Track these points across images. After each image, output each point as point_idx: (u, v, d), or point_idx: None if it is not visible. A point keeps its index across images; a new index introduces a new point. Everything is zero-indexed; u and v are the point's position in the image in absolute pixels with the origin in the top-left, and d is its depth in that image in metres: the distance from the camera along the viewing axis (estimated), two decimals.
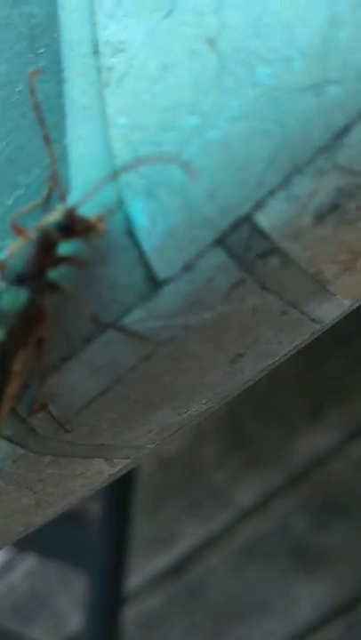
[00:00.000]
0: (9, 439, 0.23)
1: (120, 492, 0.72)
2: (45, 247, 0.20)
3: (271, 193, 0.19)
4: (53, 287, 0.20)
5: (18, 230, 0.20)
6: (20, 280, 0.20)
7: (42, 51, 0.22)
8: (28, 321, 0.20)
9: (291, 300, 0.22)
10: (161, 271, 0.20)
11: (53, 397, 0.22)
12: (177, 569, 0.85)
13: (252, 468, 0.84)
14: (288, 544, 0.82)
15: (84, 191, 0.20)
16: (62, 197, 0.20)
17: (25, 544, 0.79)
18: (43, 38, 0.22)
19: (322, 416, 0.81)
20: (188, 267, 0.20)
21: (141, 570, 0.85)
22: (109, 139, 0.20)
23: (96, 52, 0.21)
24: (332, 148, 0.19)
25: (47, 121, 0.21)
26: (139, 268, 0.20)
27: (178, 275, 0.20)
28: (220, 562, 0.84)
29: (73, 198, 0.20)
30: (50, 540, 0.76)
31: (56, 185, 0.20)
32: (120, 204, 0.20)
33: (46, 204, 0.21)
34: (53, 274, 0.20)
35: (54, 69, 0.21)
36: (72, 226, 0.20)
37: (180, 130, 0.19)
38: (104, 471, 0.27)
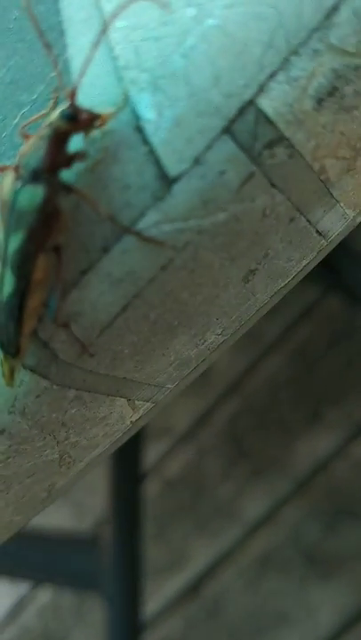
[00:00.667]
0: (31, 369, 0.22)
1: (128, 516, 0.70)
2: (56, 140, 0.20)
3: (272, 76, 0.19)
4: (68, 189, 0.20)
5: (26, 136, 0.20)
6: (35, 177, 0.20)
7: None
8: (46, 220, 0.20)
9: (297, 202, 0.22)
10: (172, 167, 0.20)
11: (75, 316, 0.21)
12: (192, 589, 0.82)
13: (256, 479, 0.83)
14: (302, 552, 0.80)
15: (90, 95, 0.20)
16: (71, 96, 0.20)
17: (38, 574, 0.76)
18: None
19: (321, 419, 0.80)
20: (198, 160, 0.20)
21: (157, 594, 0.83)
22: (110, 43, 0.20)
23: None
24: (323, 28, 0.19)
25: (48, 38, 0.21)
26: (150, 166, 0.20)
27: (189, 170, 0.20)
28: (234, 578, 0.82)
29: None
30: (62, 569, 0.74)
31: (61, 88, 0.20)
32: (126, 100, 0.19)
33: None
34: (67, 176, 0.20)
35: None
36: (77, 114, 0.19)
37: (179, 21, 0.19)
38: (126, 416, 0.26)
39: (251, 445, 0.85)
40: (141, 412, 0.27)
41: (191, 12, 0.19)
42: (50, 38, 0.21)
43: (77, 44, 0.20)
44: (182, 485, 0.86)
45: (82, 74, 0.19)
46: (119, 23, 0.20)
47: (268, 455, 0.83)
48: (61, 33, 0.21)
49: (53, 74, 0.21)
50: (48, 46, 0.20)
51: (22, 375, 0.22)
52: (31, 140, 0.20)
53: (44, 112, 0.21)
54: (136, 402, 0.26)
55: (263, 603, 0.82)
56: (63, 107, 0.19)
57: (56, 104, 0.20)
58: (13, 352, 0.21)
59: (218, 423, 0.84)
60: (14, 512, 0.28)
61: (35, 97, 0.21)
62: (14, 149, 0.21)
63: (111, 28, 0.20)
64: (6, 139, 0.21)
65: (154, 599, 0.83)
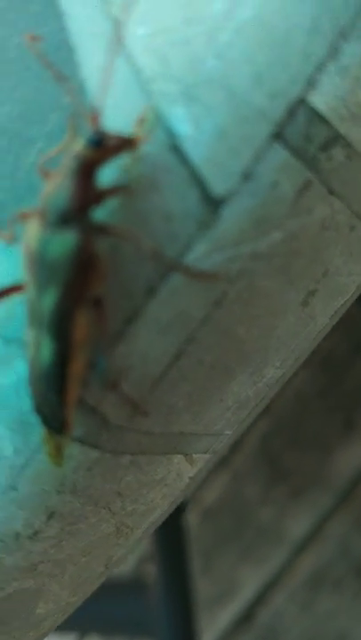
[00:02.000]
0: (80, 440, 0.18)
1: (172, 550, 0.67)
2: (84, 173, 0.16)
3: (320, 67, 0.16)
4: (102, 230, 0.16)
5: (47, 174, 0.17)
6: (64, 221, 0.16)
7: None
8: (82, 270, 0.16)
9: (358, 208, 0.18)
10: (217, 186, 0.16)
11: (123, 373, 0.18)
12: (245, 618, 0.78)
13: (297, 497, 0.79)
14: (352, 566, 0.76)
15: (114, 117, 0.16)
16: (94, 120, 0.16)
17: (85, 625, 0.73)
18: None
19: (354, 428, 0.77)
20: (246, 174, 0.16)
21: (210, 628, 0.79)
22: (131, 54, 0.16)
23: None
24: None
25: (55, 60, 0.18)
26: (192, 188, 0.16)
27: (237, 187, 0.16)
28: (287, 601, 0.78)
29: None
30: (109, 616, 0.70)
31: (84, 117, 0.17)
32: (158, 117, 0.16)
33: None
34: (98, 214, 0.16)
35: (49, 10, 0.18)
36: (104, 140, 0.16)
37: (208, 19, 0.16)
38: (184, 473, 0.23)
39: (287, 464, 0.81)
40: (199, 465, 0.23)
41: (220, 5, 0.16)
42: (57, 59, 0.18)
43: (91, 62, 0.17)
44: (222, 513, 0.82)
45: (104, 92, 0.16)
46: (138, 30, 0.16)
47: (305, 471, 0.79)
48: (70, 52, 0.18)
49: (67, 100, 0.17)
50: (58, 73, 0.17)
51: (69, 449, 0.18)
52: (54, 178, 0.16)
53: (62, 144, 0.17)
54: (194, 456, 0.22)
55: (320, 624, 0.78)
56: (86, 133, 0.16)
57: (75, 132, 0.17)
58: (59, 427, 0.17)
59: (251, 445, 0.80)
60: (70, 594, 0.24)
61: (48, 128, 0.18)
62: (32, 191, 0.18)
63: (130, 38, 0.17)
64: (22, 180, 0.18)
65: (207, 634, 0.79)
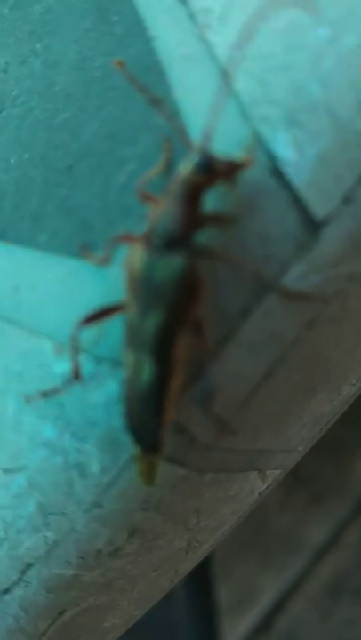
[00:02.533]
0: (168, 458, 0.18)
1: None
2: (192, 197, 0.16)
3: None
4: (205, 253, 0.16)
5: (147, 197, 0.17)
6: (170, 245, 0.16)
7: (115, 19, 0.19)
8: (187, 293, 0.16)
9: None
10: (319, 209, 0.16)
11: (215, 392, 0.18)
12: (265, 626, 0.78)
13: (316, 504, 0.79)
14: None
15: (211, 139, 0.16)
16: (191, 149, 0.16)
17: None
18: (112, 7, 0.19)
19: None
20: (348, 198, 0.16)
21: (230, 635, 0.79)
22: (228, 76, 0.17)
23: (183, 1, 0.18)
24: None
25: (145, 84, 0.18)
26: (293, 211, 0.16)
27: (338, 210, 0.16)
28: (307, 608, 0.77)
29: None
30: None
31: (182, 139, 0.17)
32: (259, 141, 0.16)
33: (168, 168, 0.17)
34: (199, 238, 0.17)
35: (135, 32, 0.18)
36: (213, 164, 0.16)
37: (311, 45, 0.16)
38: (255, 489, 0.23)
39: (306, 471, 0.81)
40: (270, 480, 0.23)
41: (324, 32, 0.16)
42: (148, 82, 0.18)
43: (185, 83, 0.17)
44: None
45: (215, 117, 0.16)
46: (235, 54, 0.17)
47: (324, 478, 0.79)
48: (160, 74, 0.18)
49: (157, 120, 0.18)
50: (152, 95, 0.17)
51: None
52: (160, 202, 0.17)
53: (158, 168, 0.17)
54: (267, 472, 0.22)
55: (341, 631, 0.77)
56: (193, 158, 0.16)
57: (170, 154, 0.17)
58: (153, 447, 0.17)
59: None
60: (135, 608, 0.24)
61: (139, 149, 0.18)
62: (124, 213, 0.18)
63: (224, 61, 0.17)
64: (113, 201, 0.18)
65: None
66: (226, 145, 0.16)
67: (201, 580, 0.68)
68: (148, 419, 0.17)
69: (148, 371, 0.17)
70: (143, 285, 0.16)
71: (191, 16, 0.18)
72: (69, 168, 0.19)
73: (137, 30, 0.18)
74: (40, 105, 0.20)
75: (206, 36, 0.17)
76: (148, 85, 0.18)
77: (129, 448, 0.18)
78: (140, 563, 0.21)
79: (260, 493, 0.23)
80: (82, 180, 0.19)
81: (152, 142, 0.18)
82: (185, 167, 0.16)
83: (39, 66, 0.20)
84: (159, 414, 0.17)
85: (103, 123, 0.18)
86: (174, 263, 0.16)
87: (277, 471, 0.23)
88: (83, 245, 0.18)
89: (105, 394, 0.18)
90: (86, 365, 0.18)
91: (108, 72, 0.19)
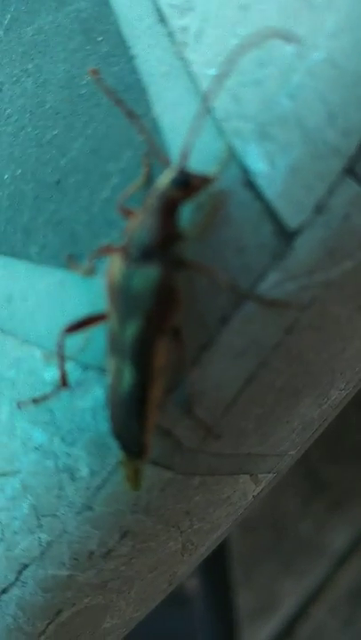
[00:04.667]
0: (154, 462, 0.19)
1: (215, 565, 0.67)
2: (168, 211, 0.17)
3: None
4: (181, 264, 0.17)
5: (127, 212, 0.18)
6: (147, 256, 0.17)
7: (100, 39, 0.20)
8: (164, 302, 0.17)
9: None
10: (291, 219, 0.17)
11: (197, 397, 0.18)
12: (287, 633, 0.78)
13: (337, 510, 0.79)
14: None
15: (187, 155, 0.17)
16: (167, 165, 0.17)
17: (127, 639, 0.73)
18: (98, 27, 0.20)
19: None
20: (319, 208, 0.17)
21: None
22: (208, 96, 0.17)
23: (162, 20, 0.18)
24: None
25: (126, 100, 0.18)
26: (266, 222, 0.17)
27: (310, 220, 0.17)
28: (329, 615, 0.77)
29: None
30: (153, 630, 0.70)
31: (157, 156, 0.17)
32: (232, 155, 0.17)
33: (148, 182, 0.18)
34: (178, 250, 0.17)
35: (119, 51, 0.19)
36: (188, 179, 0.17)
37: (280, 61, 0.17)
38: (248, 492, 0.23)
39: (326, 476, 0.81)
40: (263, 484, 0.24)
41: (291, 48, 0.16)
42: (130, 99, 0.18)
43: (164, 100, 0.18)
44: (262, 526, 0.82)
45: (193, 135, 0.16)
46: (210, 71, 0.17)
47: (345, 483, 0.79)
48: (142, 92, 0.18)
49: (140, 137, 0.18)
50: (128, 110, 0.17)
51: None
52: (138, 216, 0.17)
53: (138, 182, 0.18)
54: (259, 475, 0.23)
55: None
56: (170, 173, 0.17)
57: (149, 170, 0.18)
58: (137, 452, 0.18)
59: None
60: (135, 609, 0.25)
61: (122, 165, 0.19)
62: (108, 226, 0.18)
63: (202, 78, 0.17)
64: (98, 215, 0.19)
65: None
66: (201, 158, 0.17)
67: (221, 586, 0.68)
68: (131, 425, 0.18)
69: (128, 378, 0.17)
70: (122, 295, 0.17)
71: (170, 34, 0.18)
72: (58, 183, 0.20)
73: (120, 49, 0.19)
74: (31, 123, 0.21)
75: (183, 54, 0.18)
76: (130, 102, 0.18)
77: (116, 452, 0.19)
78: (134, 564, 0.22)
79: (254, 496, 0.24)
80: (69, 194, 0.20)
81: (134, 158, 0.18)
82: (161, 182, 0.17)
83: (31, 85, 0.21)
84: (141, 420, 0.18)
85: (89, 139, 0.19)
86: (150, 274, 0.17)
87: (270, 474, 0.23)
88: (69, 257, 0.19)
89: (92, 400, 0.19)
90: (74, 372, 0.19)
91: (94, 90, 0.20)
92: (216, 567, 0.68)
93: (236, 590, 0.70)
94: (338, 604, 0.76)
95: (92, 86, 0.19)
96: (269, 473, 0.23)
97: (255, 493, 0.24)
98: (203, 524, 0.23)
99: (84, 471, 0.19)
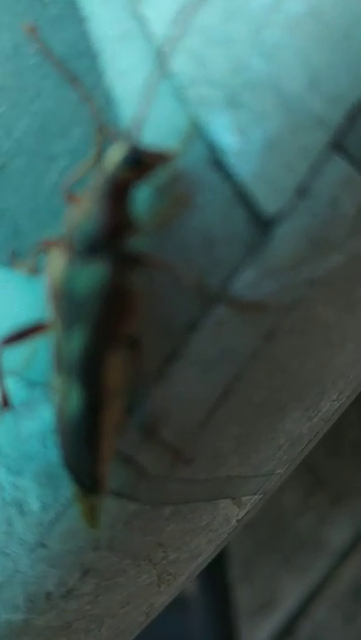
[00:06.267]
0: (115, 492, 0.16)
1: (213, 562, 0.64)
2: (118, 196, 0.14)
3: None
4: (136, 260, 0.14)
5: (74, 199, 0.14)
6: (93, 250, 0.14)
7: (48, 0, 0.17)
8: (115, 306, 0.14)
9: None
10: (268, 205, 0.14)
11: (163, 417, 0.15)
12: (287, 631, 0.75)
13: (337, 506, 0.76)
14: None
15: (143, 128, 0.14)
16: (133, 136, 0.14)
17: None
18: None
19: None
20: (302, 190, 0.14)
21: None
22: (163, 57, 0.14)
23: None
24: None
25: (77, 69, 0.15)
26: (238, 208, 0.14)
27: (292, 205, 0.14)
28: (330, 612, 0.75)
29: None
30: (151, 632, 0.68)
31: (105, 131, 0.14)
32: (196, 128, 0.14)
33: (99, 162, 0.15)
34: (132, 243, 0.14)
35: (69, 14, 0.16)
36: (141, 157, 0.13)
37: (251, 13, 0.14)
38: (231, 517, 0.20)
39: (326, 472, 0.78)
40: (248, 506, 0.21)
41: None
42: (81, 68, 0.15)
43: (116, 68, 0.15)
44: (261, 522, 0.79)
45: (146, 105, 0.13)
46: (170, 31, 0.14)
47: (345, 479, 0.76)
48: (94, 58, 0.15)
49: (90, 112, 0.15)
50: (74, 79, 0.14)
51: (104, 503, 0.16)
52: (82, 202, 0.14)
53: (88, 162, 0.15)
54: (242, 498, 0.20)
55: None
56: (120, 150, 0.14)
57: (101, 148, 0.15)
58: (91, 486, 0.15)
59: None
60: None
61: (71, 144, 0.15)
62: (56, 216, 0.15)
63: (160, 39, 0.14)
64: (44, 204, 0.16)
65: None
66: (159, 133, 0.14)
67: (219, 584, 0.66)
68: (82, 454, 0.15)
69: (76, 399, 0.14)
70: (64, 298, 0.14)
71: None
72: (1, 168, 0.17)
73: (71, 12, 0.16)
74: None
75: (140, 11, 0.15)
76: (80, 72, 0.15)
77: (70, 484, 0.16)
78: (100, 602, 0.19)
79: (238, 521, 0.21)
80: (13, 180, 0.17)
81: (85, 136, 0.15)
82: (109, 161, 0.14)
83: None
84: (93, 449, 0.14)
85: (35, 116, 0.16)
86: (97, 271, 0.14)
87: (256, 496, 0.20)
88: (12, 254, 0.16)
89: (39, 423, 0.16)
90: (18, 391, 0.16)
91: (42, 60, 0.16)
92: (215, 566, 0.65)
93: (234, 588, 0.68)
94: (339, 602, 0.74)
95: (42, 57, 0.16)
96: (255, 494, 0.20)
97: (239, 517, 0.21)
98: (179, 553, 0.20)
99: (34, 505, 0.16)
